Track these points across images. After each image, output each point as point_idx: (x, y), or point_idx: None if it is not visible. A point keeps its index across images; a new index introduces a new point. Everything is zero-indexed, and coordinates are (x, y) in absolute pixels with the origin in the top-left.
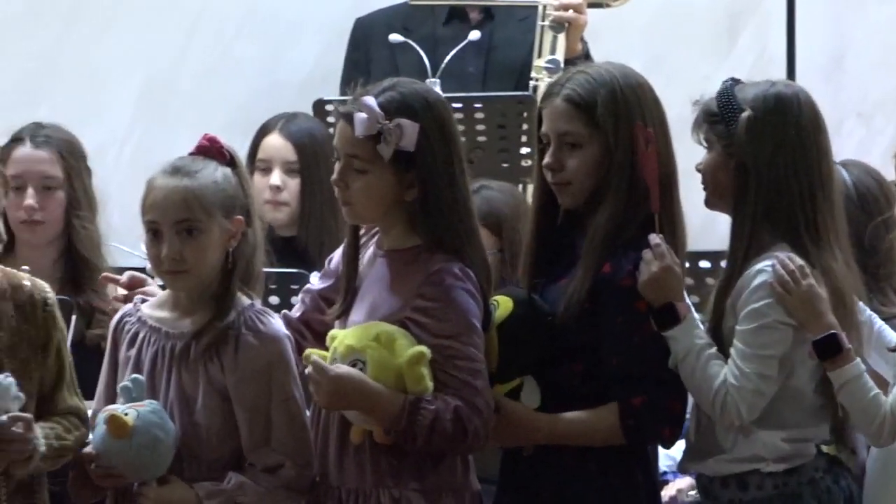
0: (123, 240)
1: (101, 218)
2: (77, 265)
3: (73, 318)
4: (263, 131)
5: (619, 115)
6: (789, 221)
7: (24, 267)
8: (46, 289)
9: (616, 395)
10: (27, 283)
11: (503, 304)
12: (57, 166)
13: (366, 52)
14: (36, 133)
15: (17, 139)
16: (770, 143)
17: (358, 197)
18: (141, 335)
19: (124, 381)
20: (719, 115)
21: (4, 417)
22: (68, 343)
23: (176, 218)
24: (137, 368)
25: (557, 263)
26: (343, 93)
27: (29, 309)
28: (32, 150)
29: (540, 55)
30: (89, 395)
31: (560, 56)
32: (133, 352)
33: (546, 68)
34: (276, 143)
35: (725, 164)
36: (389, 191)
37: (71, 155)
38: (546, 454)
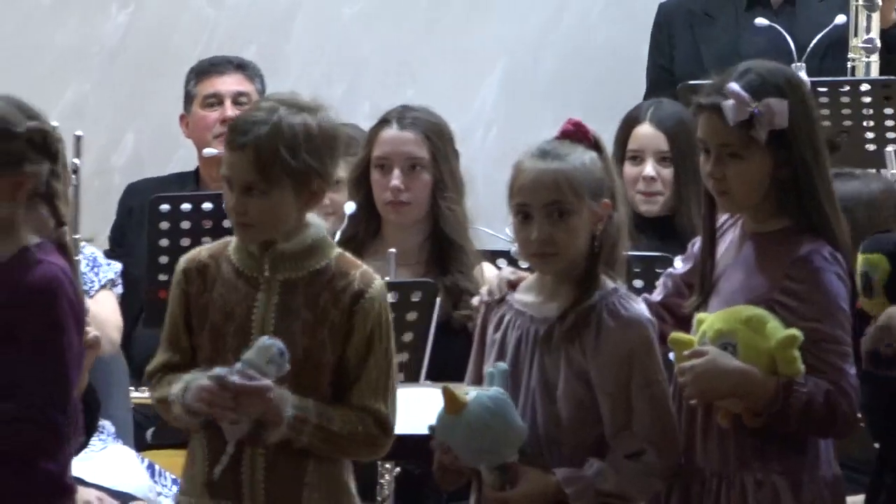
0: (490, 223)
1: (468, 200)
2: (443, 247)
3: (438, 299)
4: (633, 120)
5: None
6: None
7: (391, 250)
8: (373, 285)
9: None
10: (356, 273)
11: (879, 264)
12: (423, 148)
13: (668, 37)
14: (403, 115)
15: (384, 121)
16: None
17: (736, 185)
18: (507, 318)
19: (488, 367)
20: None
21: (235, 377)
22: (432, 325)
23: (547, 200)
24: (502, 352)
25: None
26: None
27: (342, 296)
28: (399, 131)
29: (856, 35)
30: (456, 376)
31: (875, 34)
32: (499, 335)
33: (863, 48)
34: (647, 132)
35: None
36: (765, 173)
37: (437, 137)
38: None
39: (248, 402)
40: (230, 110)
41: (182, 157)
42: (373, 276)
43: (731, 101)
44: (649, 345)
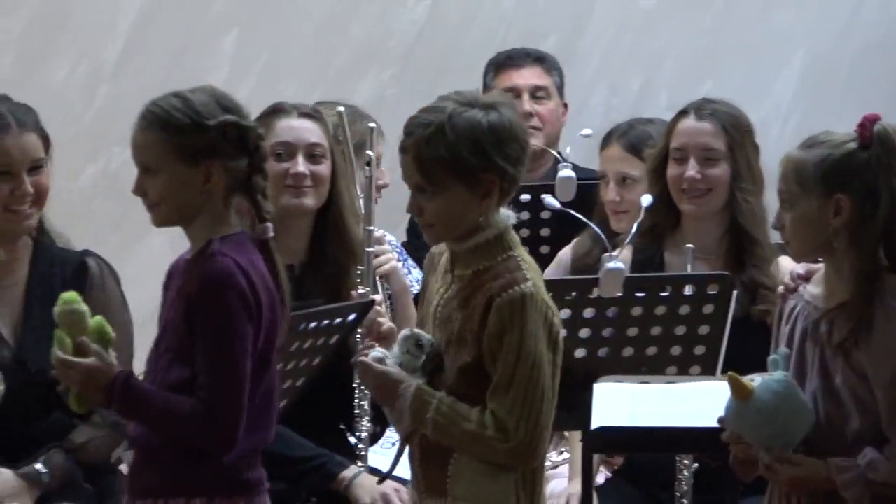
0: None
1: (767, 194)
2: (741, 240)
3: (734, 293)
4: None
5: None
6: None
7: (688, 245)
8: (514, 288)
9: None
10: (508, 276)
11: None
12: (720, 139)
13: None
14: (702, 107)
15: (683, 112)
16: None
17: None
18: (797, 310)
19: (772, 354)
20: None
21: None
22: (728, 318)
23: (780, 188)
24: (790, 342)
25: None
26: None
27: (485, 296)
28: (696, 122)
29: None
30: (755, 372)
31: None
32: (788, 327)
33: None
34: None
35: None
36: None
37: (735, 129)
38: None
39: (364, 378)
40: (527, 104)
41: None
42: (520, 281)
43: None
44: None
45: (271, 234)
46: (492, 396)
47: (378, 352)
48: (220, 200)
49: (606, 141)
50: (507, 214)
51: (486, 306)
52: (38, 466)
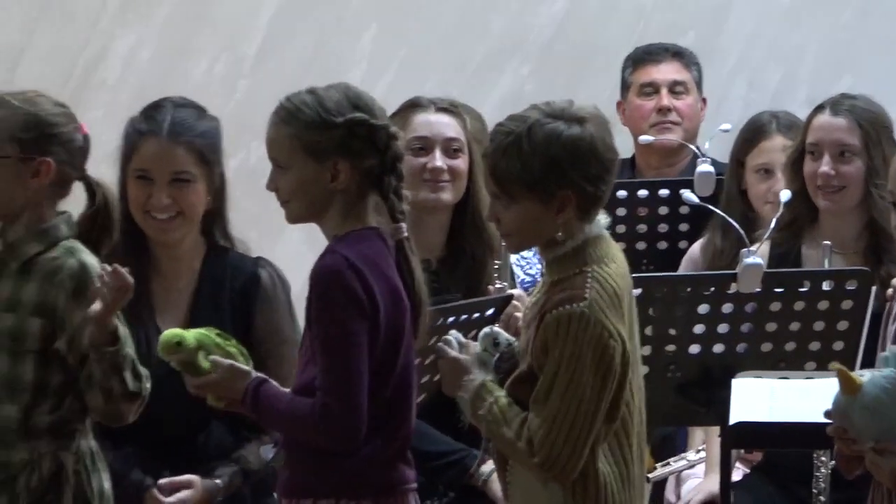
0: None
1: None
2: (878, 237)
3: (874, 288)
4: None
5: None
6: None
7: (825, 242)
8: (566, 307)
9: None
10: (570, 292)
11: None
12: (854, 135)
13: None
14: (839, 102)
15: (819, 108)
16: None
17: None
18: None
19: (884, 352)
20: None
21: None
22: (867, 314)
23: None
24: None
25: None
26: None
27: (546, 314)
28: (831, 118)
29: None
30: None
31: None
32: (894, 327)
33: None
34: None
35: None
36: None
37: (871, 125)
38: None
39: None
40: (666, 99)
41: (618, 144)
42: (576, 300)
43: None
44: None
45: (405, 233)
46: (532, 407)
47: (461, 338)
48: (353, 198)
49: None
50: (598, 224)
51: (541, 319)
52: (218, 482)
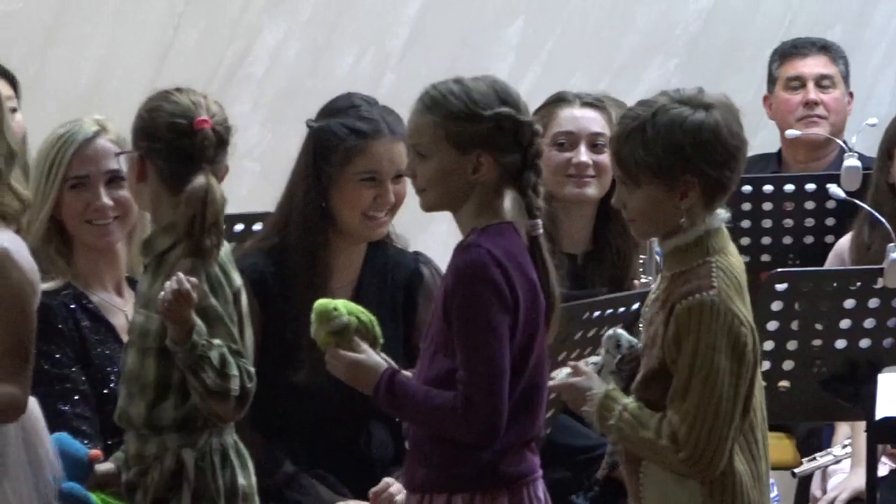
0: None
1: None
2: None
3: None
4: None
5: None
6: None
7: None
8: (695, 295)
9: None
10: (696, 282)
11: None
12: None
13: None
14: None
15: None
16: None
17: None
18: None
19: None
20: None
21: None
22: None
23: None
24: None
25: None
26: None
27: (674, 306)
28: None
29: None
30: None
31: None
32: None
33: None
34: None
35: None
36: None
37: None
38: None
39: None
40: (812, 93)
41: (765, 138)
42: (704, 289)
43: None
44: None
45: (540, 230)
46: (670, 404)
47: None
48: (490, 191)
49: None
50: (718, 216)
51: (670, 311)
52: None
